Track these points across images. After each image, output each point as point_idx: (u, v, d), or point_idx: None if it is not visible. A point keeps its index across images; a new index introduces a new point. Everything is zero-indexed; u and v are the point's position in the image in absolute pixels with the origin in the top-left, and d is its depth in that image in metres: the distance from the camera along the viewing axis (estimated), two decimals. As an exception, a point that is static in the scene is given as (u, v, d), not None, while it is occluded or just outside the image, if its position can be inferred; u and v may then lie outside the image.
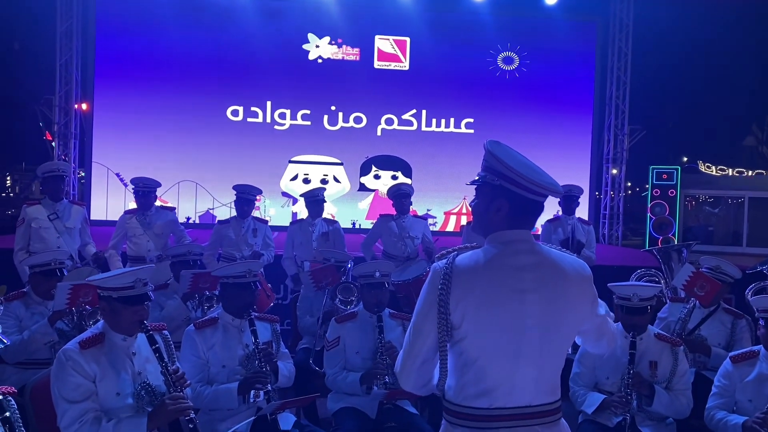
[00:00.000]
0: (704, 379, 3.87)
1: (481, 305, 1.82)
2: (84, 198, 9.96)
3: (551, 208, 6.47)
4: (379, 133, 10.20)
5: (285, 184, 10.03)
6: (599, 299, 2.05)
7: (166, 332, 2.93)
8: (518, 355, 1.84)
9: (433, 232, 6.58)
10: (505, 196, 1.88)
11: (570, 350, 2.11)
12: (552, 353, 1.89)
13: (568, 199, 6.18)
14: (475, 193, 1.99)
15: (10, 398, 2.17)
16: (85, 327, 3.45)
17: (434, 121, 10.24)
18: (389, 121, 10.19)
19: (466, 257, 1.89)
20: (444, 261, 1.89)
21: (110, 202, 9.66)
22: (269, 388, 3.16)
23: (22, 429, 2.14)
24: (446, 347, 1.85)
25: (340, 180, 10.21)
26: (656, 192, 10.36)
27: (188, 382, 2.82)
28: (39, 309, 3.81)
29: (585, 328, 2.03)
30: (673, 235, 10.19)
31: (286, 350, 3.61)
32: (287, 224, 6.53)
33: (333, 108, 10.09)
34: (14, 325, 3.64)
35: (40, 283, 3.86)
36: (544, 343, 1.86)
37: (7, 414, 2.13)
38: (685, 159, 16.62)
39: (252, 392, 3.14)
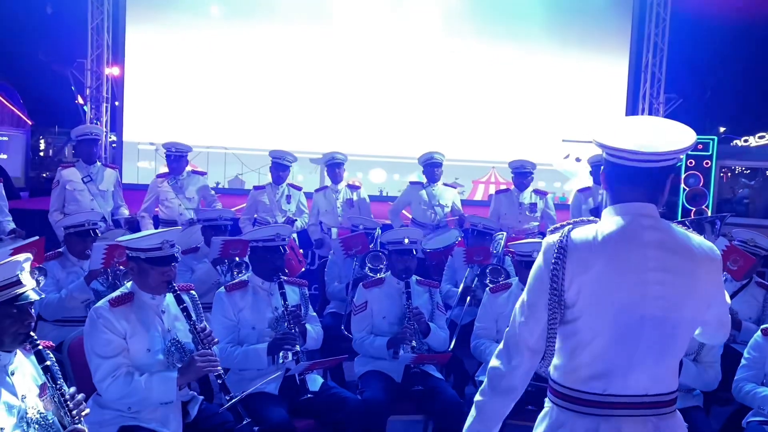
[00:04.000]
0: (733, 352, 3.83)
1: (598, 284, 1.69)
2: (115, 162, 10.11)
3: (583, 177, 6.39)
4: (408, 97, 10.09)
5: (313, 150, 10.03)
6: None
7: (193, 292, 3.00)
8: (637, 340, 1.70)
9: (461, 201, 6.55)
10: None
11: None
12: (673, 339, 1.74)
13: (599, 169, 6.09)
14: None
15: (48, 351, 2.24)
16: (119, 286, 3.53)
17: (464, 86, 10.09)
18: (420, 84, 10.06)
19: (582, 231, 1.75)
20: (558, 235, 1.76)
21: (141, 165, 9.79)
22: (298, 349, 3.22)
23: (61, 379, 2.21)
24: (556, 326, 1.75)
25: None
26: (691, 163, 10.12)
27: (216, 340, 2.89)
28: (75, 269, 3.92)
29: (708, 316, 1.84)
30: (707, 206, 9.98)
31: (314, 314, 3.67)
32: (312, 191, 6.57)
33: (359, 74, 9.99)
34: (52, 284, 3.75)
35: (75, 243, 3.96)
36: (666, 327, 1.71)
37: (48, 363, 2.20)
38: (722, 129, 16.19)
39: (281, 353, 3.21)
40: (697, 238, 1.79)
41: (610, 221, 1.76)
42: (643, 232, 1.72)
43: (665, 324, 1.71)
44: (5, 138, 12.04)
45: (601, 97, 10.17)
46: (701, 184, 10.18)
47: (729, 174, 12.72)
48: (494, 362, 1.86)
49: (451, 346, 3.93)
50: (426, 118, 10.07)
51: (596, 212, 6.00)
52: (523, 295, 1.83)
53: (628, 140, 1.71)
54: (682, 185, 10.38)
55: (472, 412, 1.89)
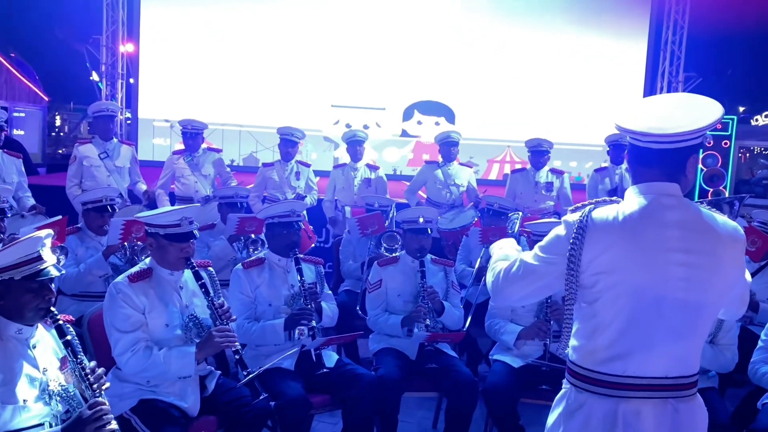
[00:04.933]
0: (750, 334, 3.81)
1: (618, 265, 1.68)
2: (130, 139, 10.15)
3: (598, 157, 6.33)
4: (422, 76, 10.01)
5: (327, 128, 10.01)
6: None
7: (211, 269, 3.02)
8: (658, 322, 1.69)
9: (477, 181, 6.51)
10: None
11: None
12: (695, 322, 1.72)
13: (617, 148, 6.03)
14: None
15: (68, 325, 2.28)
16: (137, 261, 3.59)
17: (480, 65, 9.98)
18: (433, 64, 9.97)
19: (603, 211, 1.73)
20: (578, 214, 1.74)
21: (156, 142, 9.82)
22: (314, 325, 3.25)
23: (82, 353, 2.25)
24: (572, 304, 1.75)
25: (381, 126, 10.13)
26: (709, 143, 9.98)
27: (234, 316, 2.92)
28: (93, 243, 3.96)
29: (731, 296, 1.82)
30: (725, 187, 9.87)
31: (330, 292, 3.69)
32: (328, 169, 6.55)
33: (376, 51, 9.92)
34: (71, 258, 3.80)
35: (93, 219, 4.00)
36: (688, 310, 1.69)
37: (69, 337, 2.24)
38: (742, 109, 15.94)
39: (297, 329, 3.24)
40: (721, 218, 1.76)
41: (631, 201, 1.74)
42: (664, 212, 1.70)
43: (688, 306, 1.69)
44: (22, 114, 12.12)
45: (619, 75, 10.02)
46: (719, 164, 10.06)
47: (747, 154, 12.55)
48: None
49: (466, 326, 3.94)
50: (441, 96, 10.00)
51: (613, 193, 5.96)
52: (538, 253, 1.82)
53: (641, 121, 1.69)
54: (700, 165, 10.27)
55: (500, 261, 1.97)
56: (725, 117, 10.37)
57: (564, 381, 1.86)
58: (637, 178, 1.77)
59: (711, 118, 1.68)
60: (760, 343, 3.24)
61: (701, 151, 10.03)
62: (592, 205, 1.76)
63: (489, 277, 1.96)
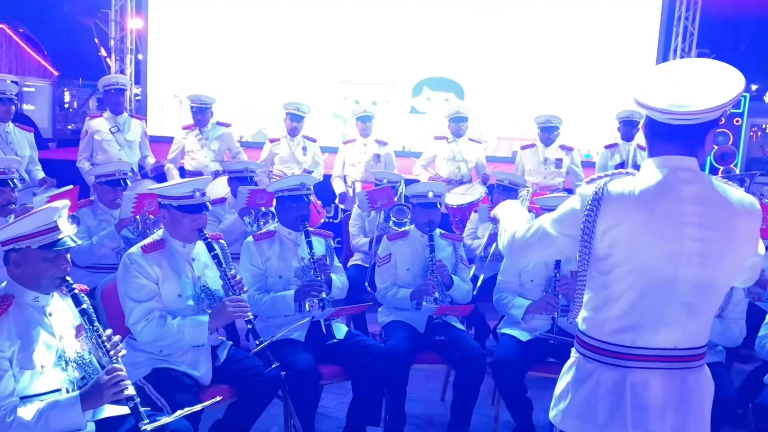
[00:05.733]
0: (758, 310, 3.82)
1: (632, 238, 1.67)
2: (140, 114, 10.16)
3: (609, 133, 6.30)
4: (431, 52, 9.94)
5: (335, 104, 9.97)
6: None
7: (222, 242, 3.05)
8: (670, 295, 1.69)
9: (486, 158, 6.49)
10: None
11: None
12: (708, 296, 1.72)
13: (628, 125, 6.00)
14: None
15: (83, 294, 2.32)
16: (148, 234, 3.62)
17: (489, 40, 9.89)
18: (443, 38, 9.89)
19: (619, 184, 1.72)
20: (594, 186, 1.73)
21: (166, 118, 9.83)
22: (324, 296, 3.28)
23: (96, 321, 2.29)
24: (585, 275, 1.75)
25: (390, 102, 10.08)
26: (721, 120, 9.92)
27: (246, 287, 2.95)
28: (105, 217, 4.01)
29: (745, 269, 1.81)
30: (735, 165, 9.80)
31: (339, 264, 3.72)
32: (336, 145, 6.54)
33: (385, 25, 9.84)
34: (83, 231, 3.84)
35: (106, 192, 4.03)
36: (701, 284, 1.69)
37: (84, 306, 2.28)
38: (755, 87, 15.75)
39: (307, 300, 3.27)
40: (737, 192, 1.75)
41: (648, 174, 1.73)
42: (681, 186, 1.69)
43: (701, 281, 1.69)
44: (32, 89, 12.13)
45: (630, 50, 9.91)
46: (730, 142, 9.97)
47: (759, 133, 12.42)
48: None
49: (475, 292, 3.98)
50: (451, 73, 9.94)
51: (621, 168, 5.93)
52: (552, 219, 1.84)
53: (661, 97, 1.66)
54: (711, 143, 10.18)
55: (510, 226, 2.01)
56: (738, 94, 10.27)
57: (573, 350, 1.87)
58: (654, 152, 1.75)
59: (733, 92, 1.64)
60: (767, 319, 3.26)
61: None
62: (608, 178, 1.75)
63: (504, 238, 1.99)
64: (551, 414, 1.87)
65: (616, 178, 1.74)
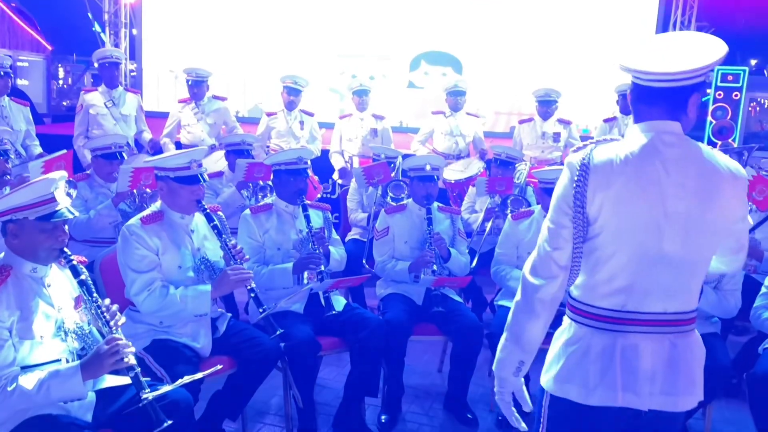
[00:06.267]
0: (753, 282, 3.84)
1: (618, 200, 1.70)
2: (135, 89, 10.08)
3: (608, 107, 6.28)
4: (429, 25, 9.84)
5: (332, 79, 9.90)
6: None
7: (220, 214, 3.05)
8: (657, 256, 1.71)
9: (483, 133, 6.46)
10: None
11: None
12: (694, 257, 1.74)
13: (627, 98, 5.97)
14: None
15: (81, 265, 2.32)
16: (145, 208, 3.61)
17: (487, 11, 9.80)
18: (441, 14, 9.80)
19: (604, 150, 1.75)
20: (581, 154, 1.76)
21: (161, 92, 9.76)
22: (322, 269, 3.29)
23: (95, 292, 2.30)
24: (581, 243, 1.76)
25: (387, 76, 10.01)
26: (719, 95, 9.83)
27: (247, 256, 2.96)
28: (102, 191, 4.00)
29: (730, 236, 1.83)
30: (734, 140, 9.78)
31: (337, 237, 3.72)
32: (333, 120, 6.51)
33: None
34: (81, 205, 3.84)
35: (102, 166, 4.03)
36: (687, 245, 1.71)
37: (83, 277, 2.29)
38: (754, 62, 15.66)
39: (306, 273, 3.28)
40: (722, 156, 1.78)
41: (632, 139, 1.76)
42: (664, 149, 1.72)
43: (688, 241, 1.71)
44: (26, 64, 12.00)
45: (630, 24, 9.83)
46: (729, 117, 9.94)
47: (758, 108, 12.38)
48: (529, 278, 1.83)
49: (473, 264, 3.99)
50: (449, 47, 9.86)
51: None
52: (549, 218, 1.83)
53: (644, 60, 1.70)
54: (709, 118, 10.14)
55: (505, 338, 1.87)
56: (736, 68, 10.21)
57: (564, 317, 1.89)
58: (638, 117, 1.78)
59: (713, 57, 1.68)
60: (763, 290, 3.29)
61: (711, 99, 9.91)
62: (594, 145, 1.78)
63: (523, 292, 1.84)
64: (542, 380, 1.88)
65: (601, 145, 1.78)
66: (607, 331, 1.77)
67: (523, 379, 1.90)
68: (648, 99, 1.74)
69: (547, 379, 1.86)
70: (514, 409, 1.92)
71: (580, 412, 1.79)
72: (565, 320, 1.88)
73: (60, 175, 2.27)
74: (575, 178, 1.74)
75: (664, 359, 1.77)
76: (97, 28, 9.89)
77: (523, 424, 1.97)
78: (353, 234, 4.90)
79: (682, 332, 1.79)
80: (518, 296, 1.86)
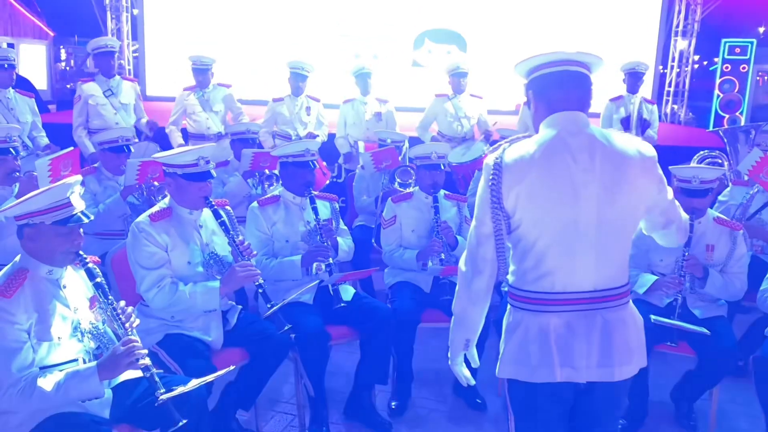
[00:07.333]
0: (760, 263, 3.85)
1: (531, 191, 1.83)
2: (138, 73, 10.05)
3: (614, 86, 6.22)
4: (433, 3, 9.74)
5: (337, 60, 9.84)
6: None
7: (228, 208, 3.07)
8: (575, 239, 1.84)
9: (488, 111, 6.42)
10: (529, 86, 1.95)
11: None
12: (612, 236, 1.87)
13: (633, 76, 5.93)
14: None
15: (96, 267, 2.36)
16: (153, 201, 3.65)
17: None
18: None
19: (516, 149, 1.89)
20: (494, 155, 1.89)
21: (165, 77, 9.72)
22: (331, 261, 3.32)
23: (109, 293, 2.34)
24: (502, 236, 1.88)
25: (391, 56, 9.93)
26: (726, 68, 9.73)
27: (254, 252, 2.99)
28: (110, 183, 4.03)
29: (650, 212, 1.98)
30: (741, 113, 9.68)
31: (345, 227, 3.74)
32: (338, 102, 6.49)
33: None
34: (90, 199, 3.87)
35: (110, 159, 4.05)
36: (602, 225, 1.84)
37: (98, 280, 2.33)
38: (761, 29, 15.42)
39: (314, 265, 3.32)
40: (626, 137, 1.93)
41: (542, 134, 1.91)
42: (570, 139, 1.85)
43: (601, 221, 1.84)
44: (28, 51, 11.98)
45: (635, 0, 9.69)
46: (736, 89, 9.83)
47: (766, 77, 12.23)
48: (463, 271, 2.01)
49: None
50: (453, 24, 9.77)
51: (626, 122, 5.89)
52: (474, 216, 1.96)
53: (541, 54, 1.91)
54: (717, 91, 10.04)
55: (453, 320, 2.07)
56: (744, 41, 10.06)
57: (508, 303, 2.01)
58: (545, 112, 1.92)
59: (598, 56, 1.93)
60: (769, 272, 3.29)
61: (718, 72, 9.78)
62: (507, 144, 1.92)
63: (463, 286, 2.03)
64: (496, 370, 2.00)
65: (514, 143, 1.92)
66: (541, 313, 1.90)
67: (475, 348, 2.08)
68: (550, 88, 1.92)
69: (498, 366, 1.99)
70: (466, 370, 2.11)
71: (534, 390, 1.93)
72: (508, 307, 2.01)
73: (75, 179, 2.29)
74: (490, 178, 1.86)
75: (597, 334, 1.89)
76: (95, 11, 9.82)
77: (473, 380, 2.15)
78: (360, 220, 4.92)
79: (614, 307, 1.91)
80: (457, 286, 2.03)
